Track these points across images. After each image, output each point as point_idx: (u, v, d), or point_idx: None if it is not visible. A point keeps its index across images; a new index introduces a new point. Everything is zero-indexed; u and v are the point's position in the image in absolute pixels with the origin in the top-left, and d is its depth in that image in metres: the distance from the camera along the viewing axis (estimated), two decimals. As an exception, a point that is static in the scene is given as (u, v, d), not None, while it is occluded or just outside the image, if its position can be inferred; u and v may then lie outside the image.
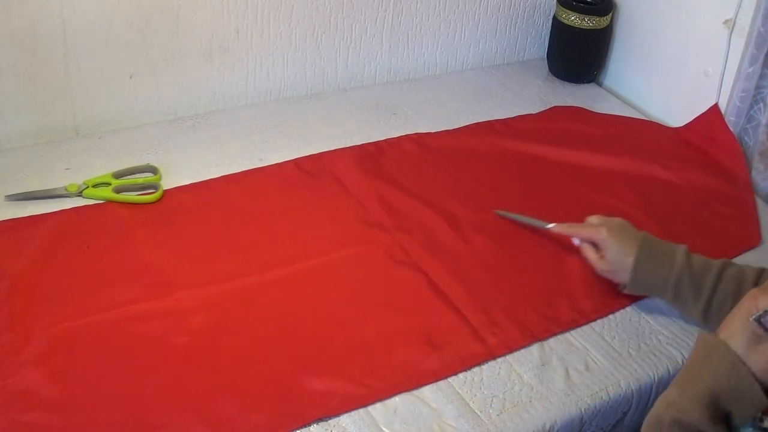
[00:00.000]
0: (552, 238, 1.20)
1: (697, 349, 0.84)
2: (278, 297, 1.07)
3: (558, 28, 1.66)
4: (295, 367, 0.97)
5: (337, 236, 1.18)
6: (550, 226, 1.17)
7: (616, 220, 1.10)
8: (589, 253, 1.10)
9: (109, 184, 1.23)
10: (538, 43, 1.75)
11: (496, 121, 1.51)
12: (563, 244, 1.19)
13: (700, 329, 0.86)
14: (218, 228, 1.18)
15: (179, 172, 1.28)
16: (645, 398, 1.02)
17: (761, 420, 0.79)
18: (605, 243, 1.07)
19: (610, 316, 1.10)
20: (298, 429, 0.90)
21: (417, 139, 1.43)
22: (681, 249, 1.05)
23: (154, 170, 1.27)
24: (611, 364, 1.03)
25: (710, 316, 1.01)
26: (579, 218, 1.15)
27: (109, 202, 1.21)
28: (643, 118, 1.58)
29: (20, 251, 1.10)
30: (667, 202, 1.31)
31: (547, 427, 0.95)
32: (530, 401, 0.97)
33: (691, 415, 0.79)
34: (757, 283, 0.99)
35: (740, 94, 1.41)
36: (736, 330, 0.81)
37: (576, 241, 1.13)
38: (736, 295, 0.96)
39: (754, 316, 0.79)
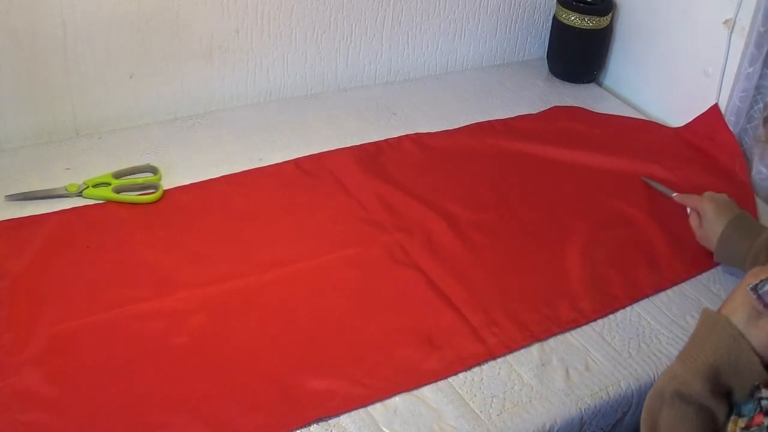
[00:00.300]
0: (552, 237, 1.22)
1: (700, 325, 0.86)
2: (278, 297, 1.07)
3: (558, 28, 1.66)
4: (295, 367, 0.97)
5: (337, 236, 1.18)
6: (674, 195, 1.29)
7: (722, 195, 1.20)
8: (693, 220, 1.21)
9: (109, 184, 1.23)
10: (538, 43, 1.75)
11: (496, 121, 1.51)
12: (561, 243, 1.21)
13: (704, 307, 0.88)
14: (218, 228, 1.18)
15: (179, 172, 1.28)
16: (645, 398, 1.02)
17: (758, 389, 0.79)
18: (705, 212, 1.18)
19: (610, 316, 1.10)
20: (298, 429, 0.90)
21: (417, 139, 1.43)
22: None
23: (154, 170, 1.27)
24: (611, 364, 1.03)
25: None
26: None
27: (109, 202, 1.21)
28: (643, 118, 1.58)
29: (20, 251, 1.10)
30: (667, 202, 1.31)
31: (547, 427, 0.95)
32: (530, 401, 0.97)
33: (692, 387, 0.81)
34: None
35: (740, 94, 1.41)
36: (737, 306, 0.83)
37: (688, 210, 1.24)
38: None
39: (750, 286, 0.81)
